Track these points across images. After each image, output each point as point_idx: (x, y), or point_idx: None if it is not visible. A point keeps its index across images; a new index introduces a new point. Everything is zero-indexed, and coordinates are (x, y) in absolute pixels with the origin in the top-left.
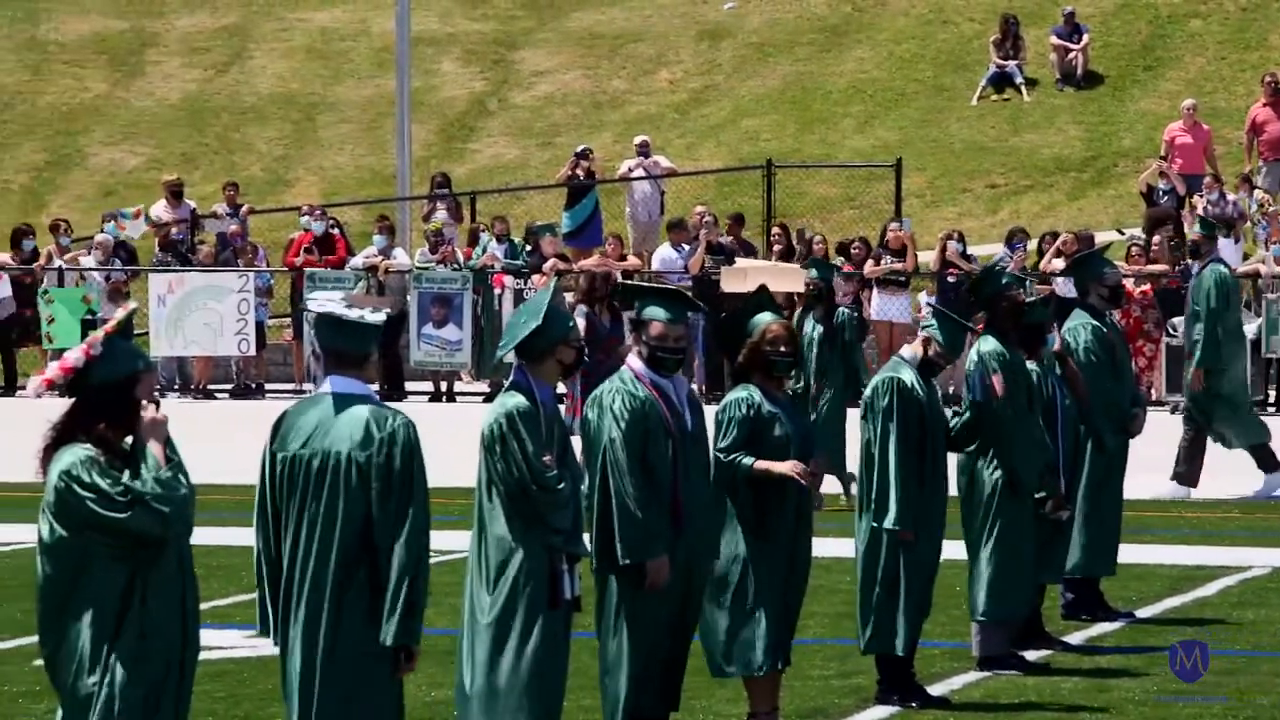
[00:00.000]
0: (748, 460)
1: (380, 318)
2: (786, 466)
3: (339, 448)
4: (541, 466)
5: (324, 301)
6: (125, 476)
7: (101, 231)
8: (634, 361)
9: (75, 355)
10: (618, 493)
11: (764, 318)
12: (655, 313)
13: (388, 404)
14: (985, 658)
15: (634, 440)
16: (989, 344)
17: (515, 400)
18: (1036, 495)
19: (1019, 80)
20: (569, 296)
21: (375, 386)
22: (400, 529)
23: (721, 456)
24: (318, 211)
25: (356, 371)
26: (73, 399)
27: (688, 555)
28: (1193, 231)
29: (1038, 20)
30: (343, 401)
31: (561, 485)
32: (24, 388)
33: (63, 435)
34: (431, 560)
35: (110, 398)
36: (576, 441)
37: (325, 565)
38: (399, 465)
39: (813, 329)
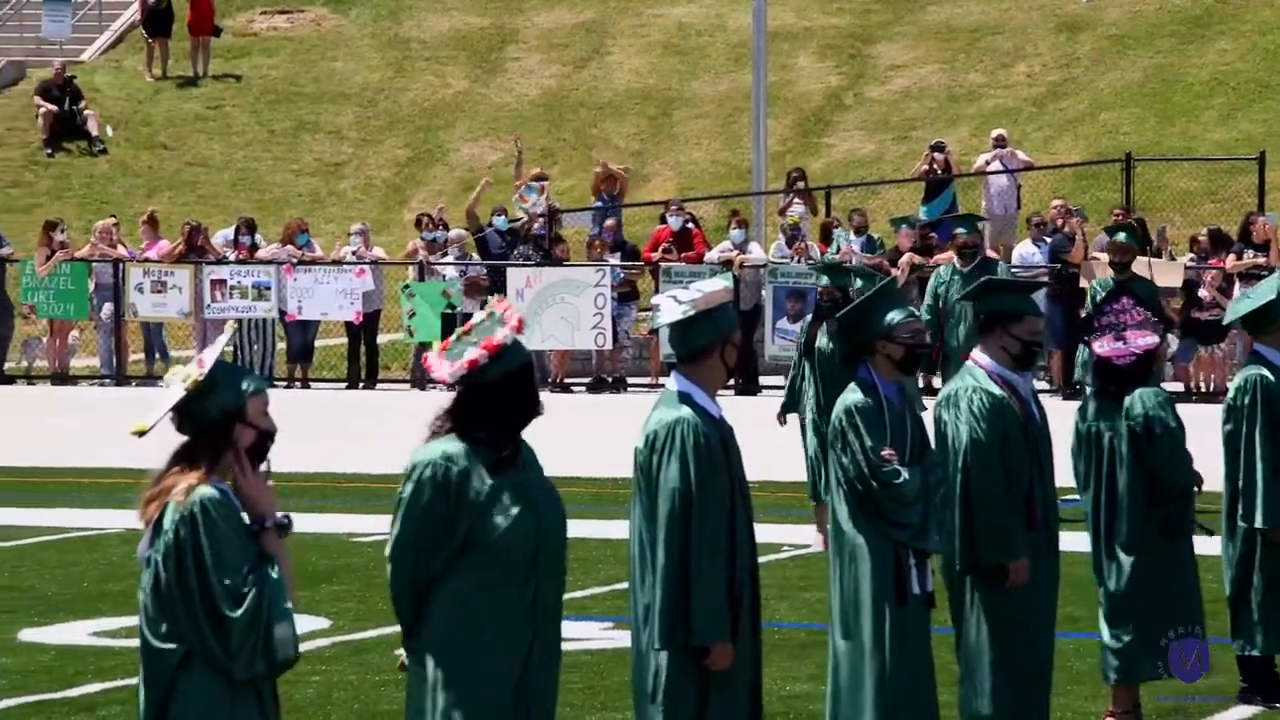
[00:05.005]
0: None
1: (673, 316)
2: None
3: (638, 444)
4: (879, 461)
5: (663, 304)
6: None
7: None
8: (981, 358)
9: (479, 354)
10: (979, 494)
11: None
12: (1028, 306)
13: (693, 405)
14: None
15: (994, 439)
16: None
17: (854, 395)
18: None
19: None
20: None
21: (729, 381)
22: (655, 531)
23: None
24: (675, 206)
25: (691, 367)
26: (461, 394)
27: (1037, 554)
28: None
29: None
30: (667, 398)
31: (899, 480)
32: (384, 382)
33: (450, 428)
34: (782, 555)
35: (502, 394)
36: None
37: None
38: (653, 469)
39: (827, 344)
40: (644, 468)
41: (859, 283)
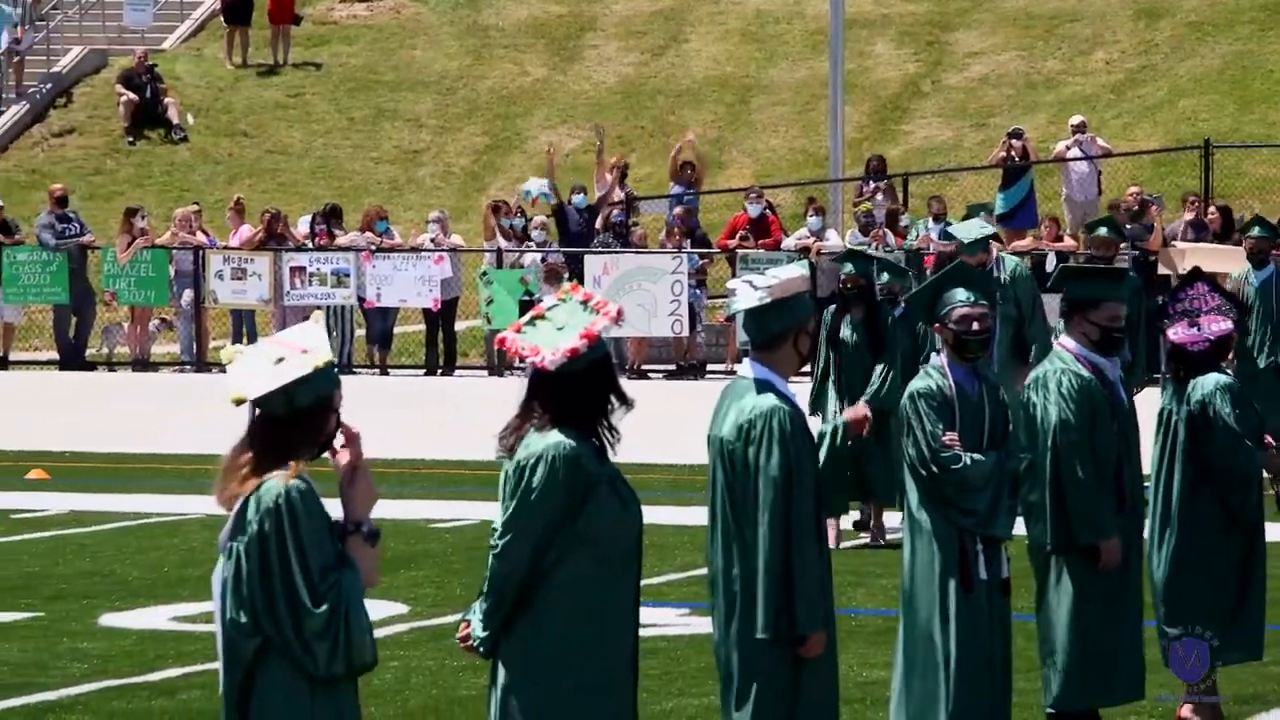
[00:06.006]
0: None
1: (749, 302)
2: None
3: (724, 433)
4: (939, 447)
5: (739, 290)
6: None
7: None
8: (1068, 341)
9: (579, 342)
10: (1069, 475)
11: None
12: (1106, 293)
13: (776, 392)
14: None
15: (1084, 421)
16: None
17: (921, 381)
18: None
19: None
20: None
21: (803, 368)
22: (756, 519)
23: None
24: (753, 193)
25: (766, 354)
26: (550, 384)
27: (1126, 537)
28: None
29: None
30: (744, 386)
31: (959, 466)
32: (464, 368)
33: (549, 419)
34: (858, 541)
35: (589, 383)
36: None
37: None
38: (749, 458)
39: (851, 334)
40: (734, 456)
41: (885, 276)
